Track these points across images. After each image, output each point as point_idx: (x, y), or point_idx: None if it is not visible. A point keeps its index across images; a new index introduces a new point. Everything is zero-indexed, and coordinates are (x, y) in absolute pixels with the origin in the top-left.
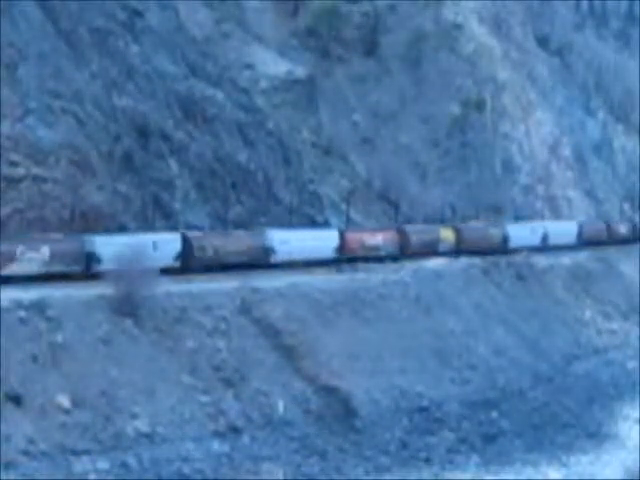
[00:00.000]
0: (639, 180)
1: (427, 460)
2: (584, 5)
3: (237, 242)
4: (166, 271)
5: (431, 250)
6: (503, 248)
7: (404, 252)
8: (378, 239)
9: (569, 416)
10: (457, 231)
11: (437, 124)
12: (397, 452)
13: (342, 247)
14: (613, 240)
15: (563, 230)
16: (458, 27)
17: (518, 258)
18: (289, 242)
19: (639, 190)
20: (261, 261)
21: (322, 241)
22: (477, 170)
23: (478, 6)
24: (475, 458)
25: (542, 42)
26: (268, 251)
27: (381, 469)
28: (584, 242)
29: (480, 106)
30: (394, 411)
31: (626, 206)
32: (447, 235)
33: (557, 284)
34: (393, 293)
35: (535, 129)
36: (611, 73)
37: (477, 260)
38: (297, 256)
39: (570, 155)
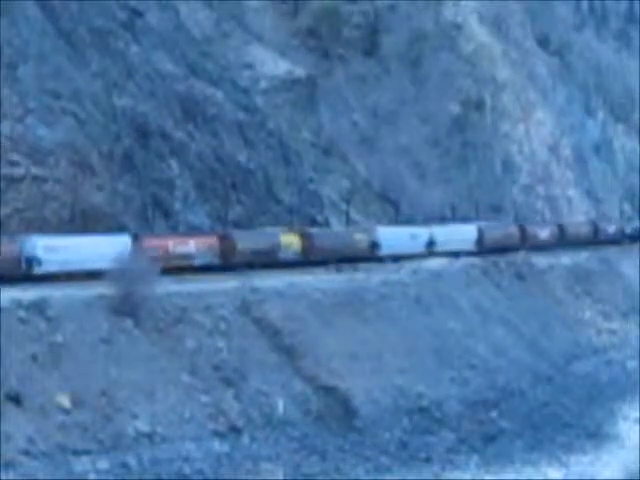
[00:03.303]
0: (639, 180)
1: (427, 460)
2: (584, 5)
3: None
4: None
5: (268, 259)
6: (371, 256)
7: (228, 262)
8: (190, 246)
9: (569, 416)
10: (305, 237)
11: (437, 124)
12: (397, 452)
13: None
14: (529, 246)
15: (457, 235)
16: (458, 27)
17: (518, 258)
18: (59, 250)
19: (639, 190)
20: (19, 273)
21: (107, 248)
22: (477, 170)
23: (478, 6)
24: (475, 458)
25: (542, 42)
26: (30, 261)
27: (381, 469)
28: (486, 249)
29: (480, 106)
30: (394, 411)
31: (626, 206)
32: (291, 241)
33: (557, 284)
34: (393, 293)
35: (535, 129)
36: (611, 73)
37: (477, 260)
38: (72, 267)
39: (570, 155)
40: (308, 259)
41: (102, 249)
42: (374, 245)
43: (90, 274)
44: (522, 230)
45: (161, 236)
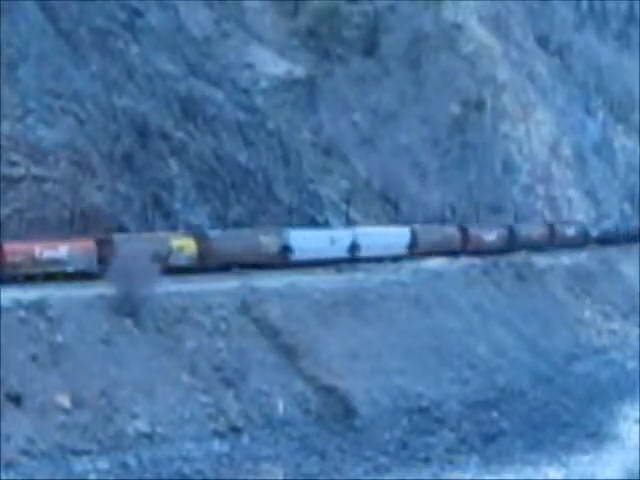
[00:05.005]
0: (639, 180)
1: (427, 460)
2: (584, 5)
3: None
4: None
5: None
6: (282, 262)
7: (106, 268)
8: (61, 251)
9: (569, 416)
10: (200, 240)
11: (437, 124)
12: (397, 452)
13: None
14: (474, 250)
15: (385, 238)
16: (458, 27)
17: (518, 258)
18: None
19: (639, 190)
20: None
21: None
22: (477, 170)
23: (478, 6)
24: (475, 458)
25: (542, 42)
26: None
27: (381, 469)
28: (420, 254)
29: (480, 106)
30: (394, 411)
31: (626, 206)
32: (185, 245)
33: (557, 284)
34: (393, 293)
35: (535, 129)
36: (611, 73)
37: (477, 260)
38: None
39: (570, 155)
40: (204, 265)
41: None
42: (285, 249)
43: None
44: (463, 232)
45: (26, 241)
